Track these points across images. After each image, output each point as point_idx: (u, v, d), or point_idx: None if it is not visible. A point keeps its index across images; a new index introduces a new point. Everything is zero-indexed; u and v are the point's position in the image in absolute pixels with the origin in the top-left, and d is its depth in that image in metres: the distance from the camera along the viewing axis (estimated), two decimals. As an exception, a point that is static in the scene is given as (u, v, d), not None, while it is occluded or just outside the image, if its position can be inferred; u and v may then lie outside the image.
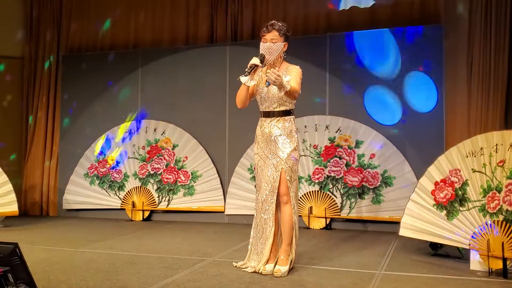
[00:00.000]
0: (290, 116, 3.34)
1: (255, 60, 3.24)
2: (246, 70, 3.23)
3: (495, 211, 3.34)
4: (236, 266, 3.44)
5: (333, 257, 3.80)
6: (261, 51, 3.29)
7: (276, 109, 3.33)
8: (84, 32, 6.51)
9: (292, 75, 3.28)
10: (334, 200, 5.15)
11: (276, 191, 3.27)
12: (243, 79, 3.27)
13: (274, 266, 3.26)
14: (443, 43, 4.99)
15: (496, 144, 3.41)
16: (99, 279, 3.13)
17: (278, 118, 3.32)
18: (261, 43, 3.33)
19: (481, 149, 3.49)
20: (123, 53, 6.24)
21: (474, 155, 3.53)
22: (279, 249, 3.34)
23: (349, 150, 5.19)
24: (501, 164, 3.37)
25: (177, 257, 3.77)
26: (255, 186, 3.47)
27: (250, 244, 3.43)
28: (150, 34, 6.25)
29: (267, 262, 3.29)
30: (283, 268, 3.20)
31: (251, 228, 3.43)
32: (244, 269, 3.35)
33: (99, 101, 6.24)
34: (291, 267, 3.31)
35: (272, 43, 3.27)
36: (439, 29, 5.01)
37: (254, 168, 3.45)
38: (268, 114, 3.35)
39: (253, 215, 3.43)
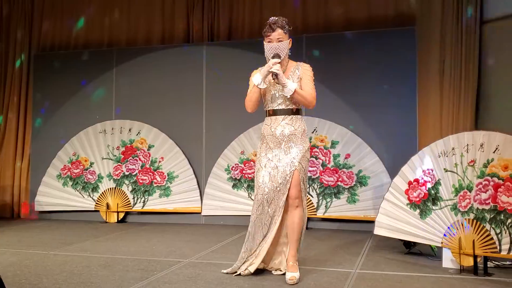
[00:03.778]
0: (301, 115, 3.19)
1: (276, 63, 3.01)
2: (272, 78, 3.04)
3: (466, 209, 3.42)
4: (226, 273, 3.25)
5: (309, 256, 3.82)
6: (269, 51, 3.09)
7: (288, 107, 3.14)
8: (57, 30, 6.37)
9: (306, 77, 3.14)
10: (311, 200, 5.19)
11: (287, 193, 3.10)
12: (256, 80, 3.08)
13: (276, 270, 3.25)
14: (416, 44, 5.09)
15: (467, 144, 3.50)
16: (73, 282, 3.07)
17: (291, 117, 3.14)
18: (265, 43, 3.12)
19: (453, 149, 3.58)
20: (97, 52, 6.13)
21: (446, 155, 3.61)
22: (274, 251, 3.26)
23: (325, 151, 5.23)
24: (471, 163, 3.46)
25: (153, 259, 3.73)
26: (250, 189, 3.38)
27: (247, 248, 3.21)
28: (125, 33, 6.17)
29: (267, 263, 3.27)
30: (297, 274, 3.07)
31: (248, 232, 3.21)
32: (243, 274, 3.18)
33: (73, 100, 6.12)
34: None
35: (279, 42, 3.08)
36: (413, 31, 5.10)
37: (256, 169, 3.20)
38: (280, 112, 3.15)
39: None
